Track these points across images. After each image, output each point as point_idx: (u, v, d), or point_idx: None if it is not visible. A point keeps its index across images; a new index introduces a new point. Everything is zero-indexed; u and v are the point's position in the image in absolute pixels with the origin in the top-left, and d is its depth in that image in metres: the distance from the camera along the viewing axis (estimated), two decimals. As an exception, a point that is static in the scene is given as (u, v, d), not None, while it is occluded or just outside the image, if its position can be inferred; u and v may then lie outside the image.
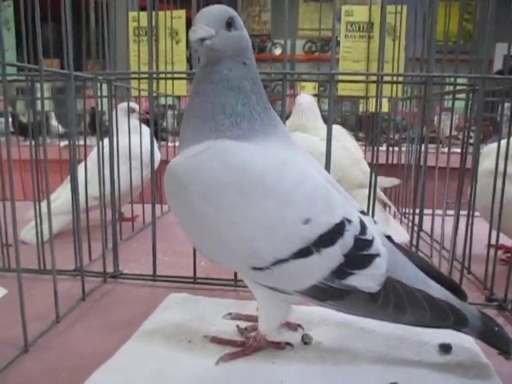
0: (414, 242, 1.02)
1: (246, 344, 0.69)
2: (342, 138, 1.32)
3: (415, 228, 1.03)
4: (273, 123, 0.63)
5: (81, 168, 0.99)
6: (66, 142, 1.31)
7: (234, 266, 0.69)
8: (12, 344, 0.68)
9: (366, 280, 0.59)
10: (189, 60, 1.28)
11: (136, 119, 1.37)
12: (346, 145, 1.30)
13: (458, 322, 0.60)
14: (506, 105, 1.18)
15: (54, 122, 3.05)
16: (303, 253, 0.57)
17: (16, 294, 0.66)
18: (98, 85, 1.02)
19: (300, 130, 1.32)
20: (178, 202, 0.61)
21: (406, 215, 1.54)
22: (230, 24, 0.58)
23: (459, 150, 1.04)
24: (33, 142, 1.00)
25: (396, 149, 1.68)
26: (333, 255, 0.58)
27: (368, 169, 1.30)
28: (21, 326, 0.67)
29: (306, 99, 1.37)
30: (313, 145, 1.11)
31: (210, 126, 0.60)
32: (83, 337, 0.74)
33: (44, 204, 0.81)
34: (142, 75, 1.10)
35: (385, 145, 1.71)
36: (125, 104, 1.34)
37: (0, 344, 0.70)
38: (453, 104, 1.10)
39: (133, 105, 1.39)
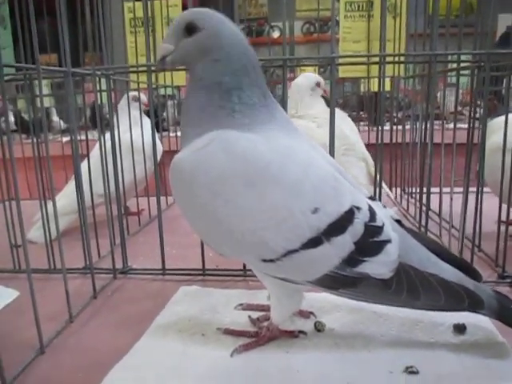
0: (423, 222, 1.02)
1: (260, 334, 0.69)
2: (339, 121, 1.30)
3: (423, 208, 1.02)
4: (271, 110, 0.62)
5: (84, 165, 0.99)
6: (69, 138, 1.30)
7: (244, 259, 0.69)
8: (28, 346, 0.69)
9: (378, 267, 0.58)
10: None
11: (137, 109, 1.36)
12: (342, 128, 1.27)
13: (473, 304, 0.60)
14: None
15: (55, 118, 3.03)
16: (313, 242, 0.57)
17: (28, 296, 0.66)
18: (97, 79, 1.01)
19: (296, 117, 1.29)
20: (184, 197, 0.60)
21: (413, 195, 1.53)
22: (189, 29, 0.60)
23: (464, 126, 1.03)
24: (35, 140, 0.99)
25: (400, 127, 1.66)
26: (343, 243, 0.57)
27: (364, 151, 1.28)
28: (35, 328, 0.68)
29: (302, 83, 1.32)
30: (309, 132, 1.10)
31: (208, 120, 0.60)
32: (97, 335, 0.74)
33: (50, 203, 0.81)
34: (140, 68, 1.09)
35: (388, 124, 1.69)
36: (130, 94, 1.33)
37: (16, 347, 0.70)
38: (457, 80, 1.08)
39: (136, 94, 1.38)
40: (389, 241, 0.59)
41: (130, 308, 0.83)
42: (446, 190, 1.09)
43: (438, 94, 1.93)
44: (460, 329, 0.69)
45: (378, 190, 0.96)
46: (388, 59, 0.95)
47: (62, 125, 2.58)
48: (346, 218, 0.57)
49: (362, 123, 2.02)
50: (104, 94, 1.06)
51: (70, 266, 0.93)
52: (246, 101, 0.60)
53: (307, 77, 1.32)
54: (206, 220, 0.59)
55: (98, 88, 1.01)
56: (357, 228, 0.58)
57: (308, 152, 0.62)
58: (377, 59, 0.89)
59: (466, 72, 1.09)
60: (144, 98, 1.41)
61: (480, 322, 0.70)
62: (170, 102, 2.54)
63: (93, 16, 1.01)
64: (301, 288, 0.65)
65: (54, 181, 0.77)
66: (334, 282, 0.59)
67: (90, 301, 0.86)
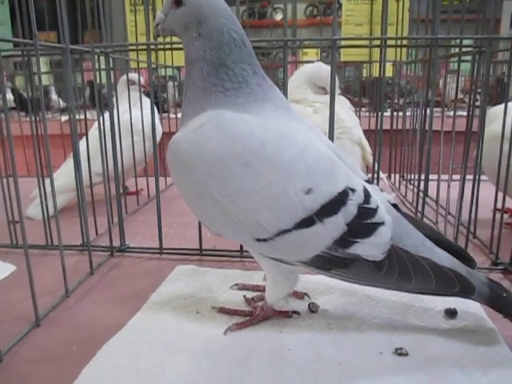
0: (420, 208, 1.02)
1: (254, 313, 0.70)
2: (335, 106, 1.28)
3: (421, 194, 1.02)
4: (265, 89, 0.63)
5: (82, 144, 0.99)
6: (67, 117, 1.30)
7: (239, 239, 0.69)
8: (24, 319, 0.70)
9: (370, 248, 0.59)
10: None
11: (136, 91, 1.35)
12: (338, 113, 1.26)
13: (465, 289, 0.60)
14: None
15: (54, 97, 3.02)
16: (306, 223, 0.57)
17: (25, 270, 0.67)
18: (96, 57, 1.00)
19: (294, 102, 1.28)
20: (181, 176, 0.61)
21: (412, 181, 1.53)
22: (176, 2, 0.62)
23: (464, 114, 1.03)
24: (33, 118, 0.99)
25: (401, 114, 1.65)
26: (336, 225, 0.58)
27: (361, 136, 1.27)
28: (31, 302, 0.68)
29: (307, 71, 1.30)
30: (305, 117, 1.09)
31: (202, 97, 0.62)
32: (93, 310, 0.75)
33: (48, 181, 0.81)
34: (139, 47, 1.08)
35: (389, 110, 1.68)
36: (125, 77, 1.32)
37: (12, 319, 0.71)
38: (458, 66, 1.07)
39: (132, 76, 1.37)
40: (382, 223, 0.60)
41: (126, 285, 0.84)
42: (444, 177, 1.09)
43: (440, 81, 1.92)
44: (451, 313, 0.70)
45: (376, 174, 0.96)
46: (389, 42, 0.94)
47: (61, 103, 2.56)
48: (340, 199, 0.58)
49: (363, 109, 2.01)
50: (103, 73, 1.05)
51: (67, 243, 0.94)
52: (235, 79, 0.61)
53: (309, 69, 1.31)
54: (201, 199, 0.60)
55: (96, 67, 1.00)
56: (350, 209, 0.58)
57: (303, 133, 0.62)
58: (378, 42, 0.88)
59: (468, 58, 1.08)
60: (142, 79, 1.40)
61: (470, 308, 0.71)
62: (170, 83, 2.52)
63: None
64: (296, 269, 0.66)
65: (51, 159, 0.76)
66: (325, 262, 0.59)
67: (87, 277, 0.87)
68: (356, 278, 0.61)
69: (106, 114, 0.99)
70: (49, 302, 0.75)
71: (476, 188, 0.94)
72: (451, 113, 1.09)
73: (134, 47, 1.11)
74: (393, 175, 1.69)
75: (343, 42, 1.03)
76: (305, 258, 0.60)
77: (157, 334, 0.66)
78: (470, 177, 0.94)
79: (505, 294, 0.63)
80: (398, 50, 1.18)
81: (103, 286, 0.85)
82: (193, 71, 0.62)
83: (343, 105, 1.32)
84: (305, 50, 2.05)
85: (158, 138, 1.43)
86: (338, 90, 1.24)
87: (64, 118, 1.82)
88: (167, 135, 1.39)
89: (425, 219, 1.04)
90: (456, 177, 1.00)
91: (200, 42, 0.61)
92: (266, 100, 0.62)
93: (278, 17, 4.17)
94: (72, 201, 1.20)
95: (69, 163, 1.25)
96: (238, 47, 0.61)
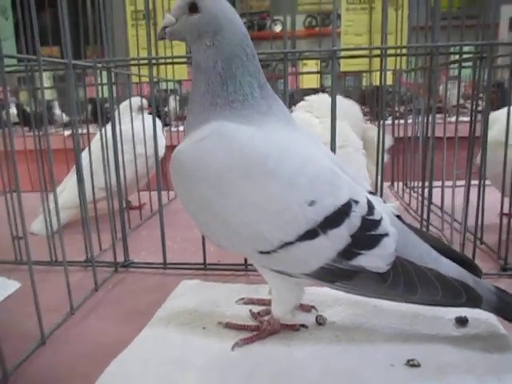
0: (425, 216, 1.01)
1: (260, 328, 0.69)
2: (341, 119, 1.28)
3: (425, 202, 1.02)
4: (269, 102, 0.63)
5: (85, 158, 0.99)
6: (71, 131, 1.30)
7: (242, 251, 0.69)
8: (29, 337, 0.69)
9: (374, 260, 0.58)
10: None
11: (139, 114, 1.36)
12: (340, 123, 1.26)
13: (472, 300, 0.60)
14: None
15: (57, 111, 3.03)
16: (309, 235, 0.57)
17: (29, 287, 0.66)
18: (98, 72, 1.00)
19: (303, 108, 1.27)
20: (183, 188, 0.61)
21: (415, 189, 1.52)
22: (191, 8, 0.61)
23: (466, 119, 1.02)
24: (36, 133, 0.99)
25: (402, 121, 1.65)
26: (339, 236, 0.57)
27: (359, 147, 1.26)
28: (37, 319, 0.68)
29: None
30: (310, 127, 1.09)
31: (207, 109, 0.61)
32: (98, 327, 0.74)
33: (52, 196, 0.81)
34: (141, 61, 1.08)
35: (390, 118, 1.68)
36: (127, 102, 1.33)
37: (18, 337, 0.70)
38: (459, 73, 1.07)
39: (135, 101, 1.38)
40: (386, 234, 0.59)
41: (131, 301, 0.83)
42: (448, 183, 1.09)
43: (440, 87, 1.92)
44: (462, 321, 0.69)
45: (379, 184, 0.95)
46: (389, 52, 0.94)
47: (65, 118, 2.58)
48: (343, 211, 0.58)
49: (364, 117, 2.01)
50: (105, 88, 1.05)
51: (71, 259, 0.94)
52: (241, 91, 0.61)
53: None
54: (204, 212, 0.60)
55: (99, 81, 1.00)
56: (353, 221, 0.58)
57: (306, 145, 0.62)
58: (378, 52, 0.88)
59: (469, 64, 1.08)
60: (145, 103, 1.41)
61: (482, 315, 0.70)
62: (171, 97, 2.53)
63: (94, 8, 1.00)
64: (301, 282, 0.65)
65: (55, 174, 0.76)
66: (330, 274, 0.59)
67: (92, 293, 0.87)
68: (361, 290, 0.61)
69: (108, 128, 0.99)
70: (54, 320, 0.74)
71: (481, 193, 0.94)
72: (453, 119, 1.08)
73: (136, 62, 1.11)
74: (396, 183, 1.68)
75: (343, 53, 1.03)
76: (309, 270, 0.59)
77: (164, 350, 0.65)
78: (474, 182, 0.93)
79: None
80: (398, 58, 1.18)
81: (108, 302, 0.84)
82: (200, 80, 0.62)
83: (353, 115, 1.32)
84: (305, 61, 2.06)
85: (162, 151, 1.43)
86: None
87: (67, 132, 1.83)
88: (170, 148, 1.39)
89: (430, 227, 1.03)
90: (460, 183, 0.99)
91: (213, 52, 0.61)
92: (270, 113, 0.62)
93: (278, 28, 4.19)
94: (76, 216, 1.20)
95: (72, 178, 1.25)
96: (249, 60, 0.61)
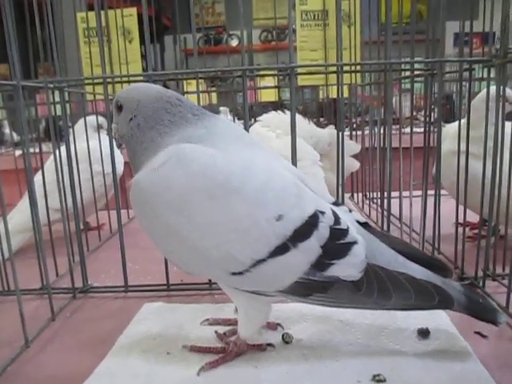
0: (385, 227, 1.03)
1: (227, 350, 0.67)
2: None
3: (384, 212, 1.04)
4: (212, 122, 0.64)
5: (39, 179, 0.95)
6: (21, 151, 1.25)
7: (214, 275, 0.67)
8: (-21, 376, 0.65)
9: (347, 268, 0.59)
10: (144, 57, 1.24)
11: (95, 132, 1.32)
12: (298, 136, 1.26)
13: (443, 301, 0.61)
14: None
15: (7, 131, 2.93)
16: (280, 250, 0.57)
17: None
18: (51, 91, 0.97)
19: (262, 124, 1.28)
20: (147, 217, 0.59)
21: (374, 200, 1.56)
22: (118, 108, 0.67)
23: (419, 130, 1.06)
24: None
25: (359, 133, 1.69)
26: (310, 248, 0.57)
27: (315, 159, 1.28)
28: (-13, 356, 0.64)
29: None
30: (267, 142, 1.09)
31: (153, 142, 0.62)
32: (56, 360, 0.70)
33: (1, 220, 0.77)
34: (95, 80, 1.06)
35: (348, 129, 1.71)
36: (82, 121, 1.29)
37: (-34, 377, 0.66)
38: (412, 87, 1.10)
39: (91, 120, 1.34)
40: (355, 242, 0.60)
41: (90, 329, 0.80)
42: (406, 193, 1.12)
43: (394, 100, 1.98)
44: (424, 333, 0.70)
45: (340, 195, 0.96)
46: (345, 68, 0.96)
47: (15, 137, 2.48)
48: (311, 223, 0.58)
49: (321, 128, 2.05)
50: (58, 106, 1.02)
51: (25, 286, 0.89)
52: (177, 119, 0.63)
53: None
54: (170, 239, 0.58)
55: (52, 100, 0.97)
56: (322, 232, 0.58)
57: (267, 161, 0.62)
58: (334, 68, 0.90)
59: (420, 79, 1.12)
60: (104, 123, 1.38)
61: (442, 326, 0.72)
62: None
63: (43, 25, 0.97)
64: (271, 300, 0.64)
65: (4, 196, 0.72)
66: (304, 288, 0.58)
67: (48, 323, 0.82)
68: (336, 302, 0.61)
69: (63, 148, 0.95)
70: (7, 355, 0.70)
71: (438, 203, 0.96)
72: (407, 129, 1.12)
73: (90, 81, 1.08)
74: (355, 194, 1.71)
75: (300, 69, 1.05)
76: (283, 286, 0.59)
77: (125, 381, 0.62)
78: (431, 192, 0.96)
79: (481, 300, 0.64)
80: (354, 73, 1.21)
81: (66, 331, 0.80)
82: (134, 143, 0.64)
83: (301, 125, 1.33)
84: (263, 76, 2.08)
85: (120, 168, 1.40)
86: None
87: (18, 152, 1.75)
88: (128, 165, 1.36)
89: (390, 238, 1.05)
90: (417, 193, 1.02)
91: (134, 121, 0.64)
92: (224, 133, 0.63)
93: (234, 42, 4.23)
94: (29, 240, 1.15)
95: (25, 200, 1.20)
96: (174, 105, 0.64)
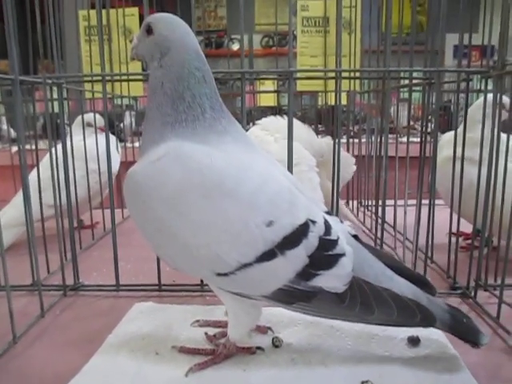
0: (379, 235, 1.04)
1: (216, 352, 0.67)
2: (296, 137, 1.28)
3: (379, 220, 1.04)
4: (223, 123, 0.62)
5: (33, 175, 0.94)
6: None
7: (199, 274, 0.68)
8: (-35, 370, 0.64)
9: (332, 280, 0.58)
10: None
11: (92, 132, 1.32)
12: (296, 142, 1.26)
13: (425, 319, 0.61)
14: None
15: (4, 126, 2.92)
16: (267, 256, 0.56)
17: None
18: (49, 87, 0.97)
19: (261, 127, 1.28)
20: (139, 210, 0.59)
21: (369, 207, 1.56)
22: (147, 31, 0.63)
23: (416, 140, 1.06)
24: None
25: (356, 140, 1.69)
26: (297, 257, 0.57)
27: (312, 164, 1.28)
28: (-26, 351, 0.63)
29: None
30: (265, 145, 1.09)
31: (161, 128, 0.61)
32: (43, 357, 0.70)
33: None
34: (94, 78, 1.06)
35: (345, 137, 1.72)
36: (80, 118, 1.29)
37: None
38: (410, 96, 1.11)
39: (88, 118, 1.34)
40: (343, 254, 0.60)
41: (80, 327, 0.79)
42: (401, 202, 1.12)
43: (392, 109, 1.99)
44: (414, 341, 0.70)
45: (334, 204, 0.96)
46: (344, 74, 0.96)
47: (13, 134, 2.47)
48: (301, 231, 0.58)
49: (319, 136, 2.05)
50: (56, 103, 1.02)
51: (16, 282, 0.89)
52: (192, 111, 0.61)
53: None
54: (160, 234, 0.58)
55: (50, 96, 0.97)
56: (311, 241, 0.58)
57: (264, 166, 0.62)
58: (333, 74, 0.90)
59: (418, 88, 1.12)
60: (101, 121, 1.37)
61: (433, 335, 0.71)
62: (127, 113, 2.49)
63: (45, 22, 0.97)
64: (258, 303, 0.64)
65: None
66: (288, 296, 0.58)
67: (37, 320, 0.82)
68: (319, 311, 0.61)
69: (59, 145, 0.95)
70: (-6, 350, 0.69)
71: (431, 213, 0.96)
72: (404, 139, 1.12)
73: (89, 78, 1.08)
74: (350, 202, 1.71)
75: (299, 74, 1.05)
76: (267, 291, 0.59)
77: (114, 380, 0.62)
78: (425, 201, 0.96)
79: (465, 320, 0.64)
80: (352, 80, 1.21)
81: (55, 329, 0.79)
82: (151, 100, 0.62)
83: (299, 131, 1.33)
84: (262, 80, 2.09)
85: (116, 167, 1.39)
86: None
87: (15, 148, 1.75)
88: (125, 165, 1.36)
89: (384, 245, 1.06)
90: (412, 201, 1.02)
91: (160, 73, 0.62)
92: (225, 133, 0.62)
93: (235, 47, 4.25)
94: (22, 237, 1.14)
95: (19, 195, 1.19)
96: (199, 82, 0.61)
